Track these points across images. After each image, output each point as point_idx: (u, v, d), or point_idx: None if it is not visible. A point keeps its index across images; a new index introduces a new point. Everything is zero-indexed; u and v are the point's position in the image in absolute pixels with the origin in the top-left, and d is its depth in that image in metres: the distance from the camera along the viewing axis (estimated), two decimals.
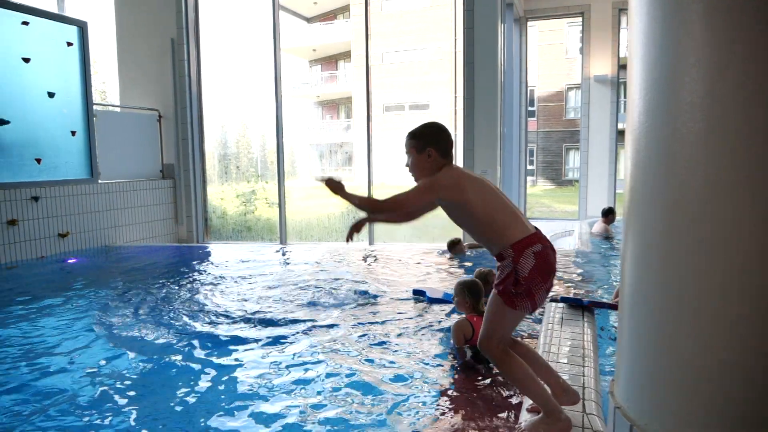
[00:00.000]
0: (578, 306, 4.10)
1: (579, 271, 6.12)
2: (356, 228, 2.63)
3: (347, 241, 2.68)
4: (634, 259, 1.92)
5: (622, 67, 13.03)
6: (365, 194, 2.43)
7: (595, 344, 3.50)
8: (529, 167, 13.33)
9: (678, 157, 1.58)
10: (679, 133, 1.56)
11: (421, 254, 7.27)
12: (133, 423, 2.81)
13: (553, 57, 25.96)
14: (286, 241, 9.08)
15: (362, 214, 2.64)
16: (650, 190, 1.71)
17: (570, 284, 5.49)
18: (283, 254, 7.87)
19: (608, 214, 8.51)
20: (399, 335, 4.04)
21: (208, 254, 8.00)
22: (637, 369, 1.90)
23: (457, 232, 8.33)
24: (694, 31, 1.49)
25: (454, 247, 6.99)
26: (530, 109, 20.46)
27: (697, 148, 1.57)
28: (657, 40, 1.58)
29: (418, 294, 5.01)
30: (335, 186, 2.57)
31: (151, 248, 8.38)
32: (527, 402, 2.69)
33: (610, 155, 11.44)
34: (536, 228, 2.46)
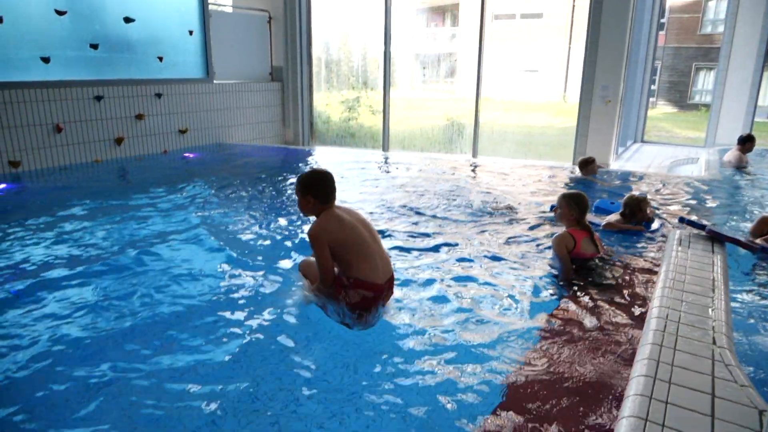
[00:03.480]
0: (709, 237, 3.76)
1: (703, 199, 5.60)
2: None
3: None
4: None
5: None
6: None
7: (725, 276, 3.22)
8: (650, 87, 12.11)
9: None
10: None
11: (535, 170, 7.00)
12: (244, 316, 3.01)
13: None
14: (388, 148, 9.08)
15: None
16: None
17: (693, 212, 5.05)
18: (386, 161, 7.91)
19: (746, 142, 7.58)
20: (523, 250, 3.96)
21: (317, 157, 8.20)
22: None
23: (566, 150, 7.89)
24: None
25: (586, 166, 6.38)
26: (660, 20, 18.16)
27: None
28: None
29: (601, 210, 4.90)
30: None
31: (262, 148, 8.73)
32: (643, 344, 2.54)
33: (753, 77, 10.01)
34: (387, 280, 2.79)
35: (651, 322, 2.56)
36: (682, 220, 3.88)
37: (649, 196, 5.56)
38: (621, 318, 2.95)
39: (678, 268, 3.24)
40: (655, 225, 4.46)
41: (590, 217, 4.66)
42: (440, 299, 3.10)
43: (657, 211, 4.89)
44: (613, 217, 4.49)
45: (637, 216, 4.38)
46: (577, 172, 6.51)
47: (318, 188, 2.77)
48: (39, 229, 4.25)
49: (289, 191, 5.72)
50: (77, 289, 3.18)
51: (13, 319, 2.81)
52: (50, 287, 3.17)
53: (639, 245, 4.11)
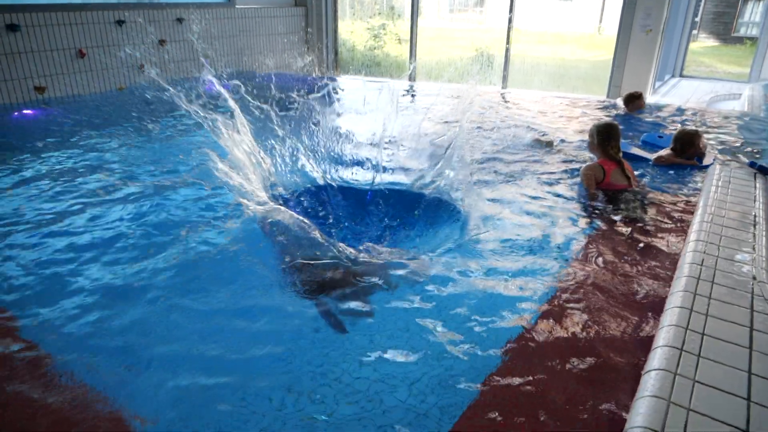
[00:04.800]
0: (753, 172, 3.61)
1: (746, 136, 5.34)
2: None
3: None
4: None
5: None
6: None
7: (767, 211, 3.10)
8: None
9: None
10: None
11: (568, 105, 6.75)
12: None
13: None
14: (415, 78, 8.81)
15: None
16: None
17: (736, 151, 4.83)
18: (411, 90, 7.71)
19: None
20: (557, 184, 3.87)
21: (342, 85, 7.99)
22: None
23: (599, 84, 7.56)
24: None
25: (632, 101, 6.01)
26: None
27: None
28: None
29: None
30: None
31: (287, 76, 8.53)
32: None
33: None
34: None
35: (687, 255, 2.49)
36: (753, 164, 3.72)
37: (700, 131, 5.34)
38: (650, 251, 2.87)
39: (717, 202, 3.12)
40: (707, 159, 4.29)
41: (638, 151, 4.50)
42: (463, 234, 3.05)
43: (710, 146, 4.69)
44: (665, 152, 4.34)
45: (688, 151, 4.22)
46: (622, 107, 6.22)
47: None
48: (68, 149, 4.28)
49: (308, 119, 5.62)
50: (109, 212, 3.23)
51: (49, 242, 2.87)
52: (78, 211, 3.22)
53: (688, 180, 3.96)
